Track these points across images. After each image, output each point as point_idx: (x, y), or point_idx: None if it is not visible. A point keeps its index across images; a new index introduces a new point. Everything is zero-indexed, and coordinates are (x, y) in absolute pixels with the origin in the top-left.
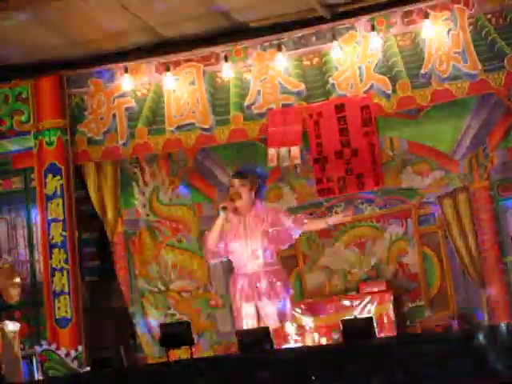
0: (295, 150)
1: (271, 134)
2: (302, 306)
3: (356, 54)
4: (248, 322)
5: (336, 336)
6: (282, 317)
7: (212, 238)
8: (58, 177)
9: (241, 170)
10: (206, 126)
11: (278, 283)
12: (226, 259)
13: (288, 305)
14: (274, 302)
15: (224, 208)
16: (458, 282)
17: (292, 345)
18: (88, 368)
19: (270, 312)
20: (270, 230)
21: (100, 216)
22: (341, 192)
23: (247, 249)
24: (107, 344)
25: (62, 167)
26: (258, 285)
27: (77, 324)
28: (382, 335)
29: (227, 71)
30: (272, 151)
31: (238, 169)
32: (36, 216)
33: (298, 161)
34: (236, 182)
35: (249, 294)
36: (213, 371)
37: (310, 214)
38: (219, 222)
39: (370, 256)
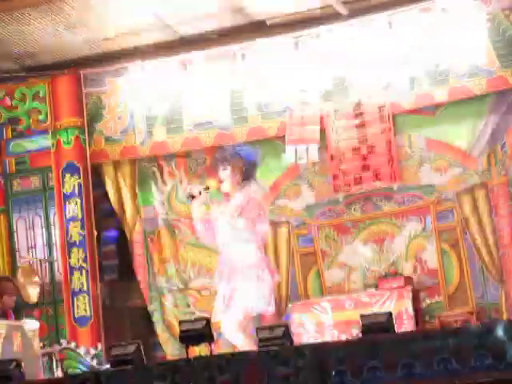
0: (313, 148)
1: (289, 132)
2: (321, 303)
3: (373, 51)
4: (226, 303)
5: (355, 332)
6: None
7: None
8: (76, 176)
9: (227, 153)
10: (224, 125)
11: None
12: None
13: (270, 290)
14: (261, 284)
15: (191, 197)
16: (477, 278)
17: (312, 341)
18: (107, 366)
19: (253, 294)
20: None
21: (118, 215)
22: (357, 188)
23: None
24: (126, 342)
25: (80, 166)
26: (245, 269)
27: (96, 322)
28: (401, 331)
29: (245, 69)
30: (290, 149)
31: (223, 151)
32: (54, 215)
33: (316, 158)
34: (225, 165)
35: (232, 276)
36: (233, 368)
37: (329, 211)
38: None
39: (388, 253)
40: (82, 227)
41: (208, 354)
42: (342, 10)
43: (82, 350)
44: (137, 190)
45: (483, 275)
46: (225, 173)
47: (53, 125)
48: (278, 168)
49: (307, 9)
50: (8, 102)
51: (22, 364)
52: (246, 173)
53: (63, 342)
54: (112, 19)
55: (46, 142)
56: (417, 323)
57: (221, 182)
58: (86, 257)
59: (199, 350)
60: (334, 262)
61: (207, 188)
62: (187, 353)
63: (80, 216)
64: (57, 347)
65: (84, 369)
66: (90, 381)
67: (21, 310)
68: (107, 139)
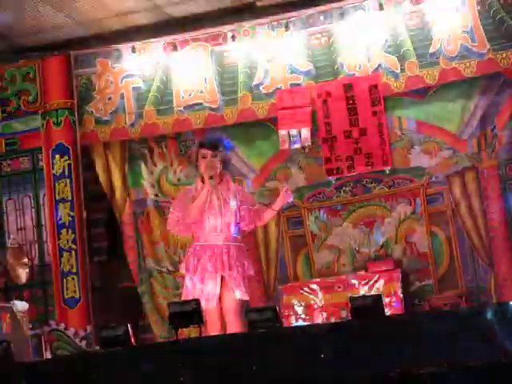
0: (305, 132)
1: (281, 116)
2: (311, 285)
3: (364, 34)
4: (209, 293)
5: (344, 314)
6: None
7: (197, 210)
8: (66, 157)
9: (211, 140)
10: (215, 106)
11: (242, 260)
12: None
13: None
14: (240, 275)
15: (211, 178)
16: (467, 261)
17: (301, 323)
18: (97, 347)
19: (237, 284)
20: (243, 207)
21: (108, 196)
22: (349, 171)
23: (219, 220)
24: (116, 324)
25: (70, 147)
26: (225, 258)
27: (85, 304)
28: (390, 314)
29: (235, 51)
30: (283, 133)
31: (206, 139)
32: (44, 196)
33: (309, 142)
34: (209, 153)
35: (214, 266)
36: (222, 350)
37: (319, 194)
38: (205, 192)
39: (378, 235)
40: (72, 208)
41: (197, 336)
42: None
43: (71, 332)
44: (126, 172)
45: (473, 258)
46: (215, 159)
47: (43, 106)
48: (268, 150)
49: None
50: None
51: (11, 345)
52: (226, 162)
53: (52, 323)
54: (102, 0)
55: (35, 122)
56: (406, 306)
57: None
58: (75, 238)
59: (189, 332)
60: (324, 245)
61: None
62: (176, 335)
63: (69, 197)
64: (46, 328)
65: (73, 350)
66: (79, 362)
67: (10, 291)
68: (97, 120)
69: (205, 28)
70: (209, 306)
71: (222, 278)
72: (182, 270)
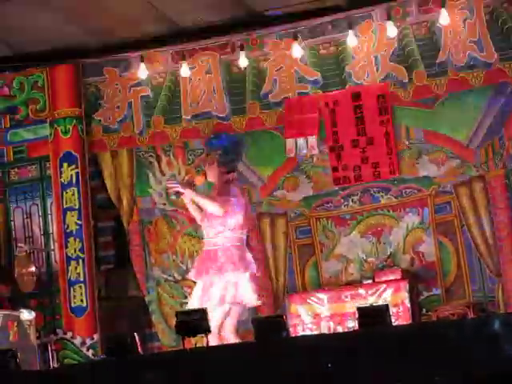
0: (312, 141)
1: (288, 124)
2: (318, 294)
3: (372, 43)
4: (219, 296)
5: (351, 324)
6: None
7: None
8: (74, 165)
9: (212, 143)
10: (223, 115)
11: (249, 260)
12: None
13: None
14: (249, 277)
15: (178, 194)
16: (474, 271)
17: (308, 333)
18: (103, 356)
19: (246, 286)
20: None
21: (115, 205)
22: (356, 180)
23: (223, 224)
24: (123, 332)
25: (78, 156)
26: (235, 258)
27: (92, 313)
28: (397, 323)
29: (243, 60)
30: (290, 142)
31: (209, 141)
32: (51, 205)
33: (316, 151)
34: (211, 157)
35: (223, 268)
36: (229, 359)
37: (327, 203)
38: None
39: (386, 245)
40: (79, 217)
41: (204, 345)
42: (342, 2)
43: (78, 341)
44: (134, 180)
45: (480, 268)
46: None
47: (51, 114)
48: (276, 159)
49: (306, 0)
50: (6, 91)
51: (18, 354)
52: (229, 163)
53: (59, 332)
54: (111, 9)
55: (43, 131)
56: (413, 316)
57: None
58: (82, 246)
59: (195, 341)
60: (332, 254)
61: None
62: (183, 344)
63: (77, 206)
64: (53, 337)
65: (80, 359)
66: (85, 371)
67: (17, 299)
68: (105, 129)
69: (213, 37)
70: (217, 308)
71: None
72: (192, 276)
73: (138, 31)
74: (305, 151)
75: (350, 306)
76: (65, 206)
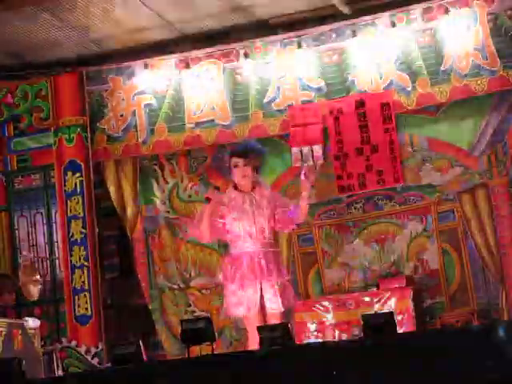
0: (318, 149)
1: (293, 133)
2: (323, 302)
3: (376, 51)
4: (249, 306)
5: (356, 332)
6: (285, 302)
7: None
8: (78, 174)
9: (242, 149)
10: (226, 123)
11: (279, 265)
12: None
13: (289, 289)
14: (275, 283)
15: (208, 199)
16: (478, 279)
17: (313, 340)
18: (108, 365)
19: (272, 295)
20: (278, 210)
21: (119, 213)
22: (361, 189)
23: (253, 227)
24: (127, 341)
25: (82, 164)
26: (263, 263)
27: (97, 321)
28: (402, 331)
29: (247, 68)
30: (295, 151)
31: (237, 147)
32: (56, 213)
33: (321, 160)
34: (241, 161)
35: (251, 275)
36: (234, 367)
37: (330, 211)
38: (207, 213)
39: (389, 252)
40: (84, 225)
41: (209, 353)
42: (345, 10)
43: (82, 349)
44: (138, 189)
45: (484, 275)
46: (247, 168)
47: (55, 122)
48: (279, 166)
49: (310, 8)
50: (10, 99)
51: (23, 362)
52: (260, 167)
53: (64, 340)
54: (114, 17)
55: (47, 139)
56: (418, 323)
57: (246, 176)
58: (87, 255)
59: (200, 349)
60: (335, 262)
61: (208, 199)
62: (188, 352)
63: (81, 214)
64: (57, 346)
65: (85, 367)
66: (90, 380)
67: (22, 307)
68: (109, 137)
69: (217, 45)
70: (250, 314)
71: (261, 285)
72: (221, 280)
73: (141, 39)
74: (311, 161)
75: (355, 313)
76: (69, 215)
